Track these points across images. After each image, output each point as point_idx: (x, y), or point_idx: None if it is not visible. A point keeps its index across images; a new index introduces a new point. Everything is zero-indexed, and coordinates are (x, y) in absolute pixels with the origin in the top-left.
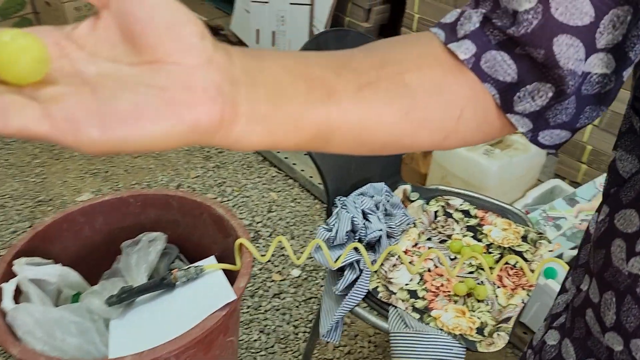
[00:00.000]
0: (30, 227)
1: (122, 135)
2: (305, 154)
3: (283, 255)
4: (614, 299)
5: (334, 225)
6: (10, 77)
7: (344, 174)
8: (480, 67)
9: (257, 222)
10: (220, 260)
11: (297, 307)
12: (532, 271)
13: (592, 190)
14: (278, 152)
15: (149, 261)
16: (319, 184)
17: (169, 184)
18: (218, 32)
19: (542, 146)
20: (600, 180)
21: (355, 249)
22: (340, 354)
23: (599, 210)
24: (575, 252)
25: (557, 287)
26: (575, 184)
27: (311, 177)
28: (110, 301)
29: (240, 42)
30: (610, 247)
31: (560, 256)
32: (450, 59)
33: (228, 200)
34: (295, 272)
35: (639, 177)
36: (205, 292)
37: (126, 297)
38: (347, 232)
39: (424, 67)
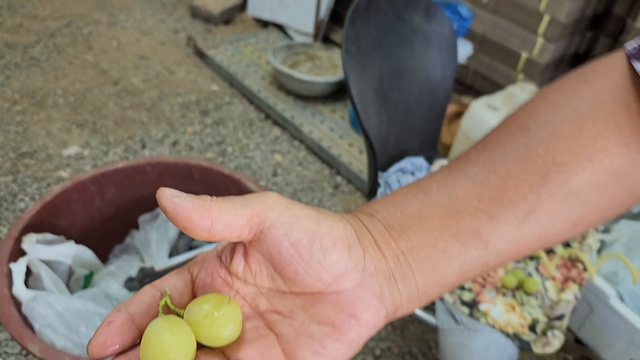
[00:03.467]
0: (14, 181)
1: None
2: (312, 115)
3: None
4: None
5: None
6: (211, 344)
7: (382, 147)
8: None
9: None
10: None
11: None
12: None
13: None
14: (283, 110)
15: (169, 239)
16: (328, 147)
17: (164, 140)
18: None
19: None
20: None
21: None
22: None
23: None
24: (619, 252)
25: (605, 289)
26: None
27: (320, 139)
28: (130, 285)
29: None
30: None
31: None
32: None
33: (230, 162)
34: None
35: None
36: None
37: (149, 281)
38: None
39: (597, 153)
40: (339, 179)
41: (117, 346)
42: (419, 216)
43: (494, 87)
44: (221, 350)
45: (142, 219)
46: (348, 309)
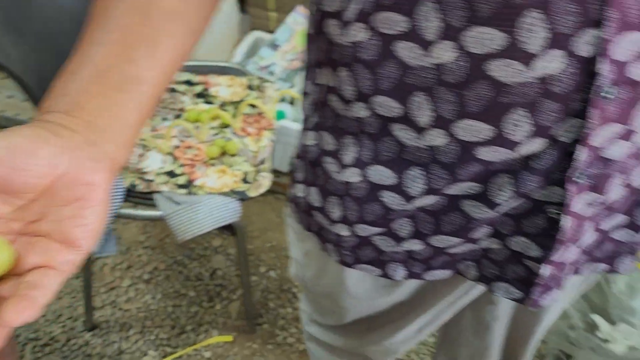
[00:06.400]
0: None
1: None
2: None
3: None
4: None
5: None
6: (1, 273)
7: (45, 81)
8: None
9: None
10: None
11: None
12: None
13: (288, 31)
14: None
15: None
16: (16, 115)
17: None
18: None
19: None
20: (292, 18)
21: None
22: (122, 272)
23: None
24: (292, 90)
25: (291, 125)
26: (272, 32)
27: (3, 111)
28: None
29: None
30: None
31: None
32: None
33: None
34: None
35: None
36: None
37: None
38: None
39: None
40: None
41: None
42: (82, 90)
43: None
44: (12, 274)
45: None
46: (80, 181)
